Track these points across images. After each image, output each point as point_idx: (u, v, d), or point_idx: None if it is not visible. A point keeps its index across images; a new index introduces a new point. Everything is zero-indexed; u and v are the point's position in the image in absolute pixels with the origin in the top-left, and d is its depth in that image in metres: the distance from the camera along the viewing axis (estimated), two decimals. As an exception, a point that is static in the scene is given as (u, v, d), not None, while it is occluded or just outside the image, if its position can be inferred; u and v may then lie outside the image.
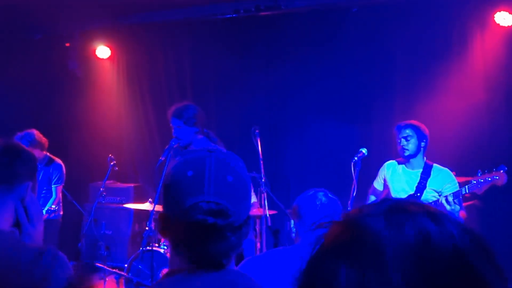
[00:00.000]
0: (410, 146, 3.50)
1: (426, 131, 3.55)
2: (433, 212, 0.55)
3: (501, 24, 4.68)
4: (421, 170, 3.54)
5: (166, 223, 1.06)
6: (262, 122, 4.60)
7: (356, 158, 3.62)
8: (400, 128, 3.55)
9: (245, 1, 5.48)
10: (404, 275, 0.50)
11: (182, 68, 6.11)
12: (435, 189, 3.51)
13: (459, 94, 4.80)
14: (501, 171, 3.32)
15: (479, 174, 3.35)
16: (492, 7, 4.71)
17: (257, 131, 4.19)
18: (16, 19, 5.49)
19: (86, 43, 6.36)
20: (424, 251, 0.51)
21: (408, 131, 3.50)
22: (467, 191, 3.34)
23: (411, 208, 0.56)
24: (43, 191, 4.64)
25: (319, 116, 5.50)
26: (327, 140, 5.40)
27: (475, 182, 3.33)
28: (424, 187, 3.49)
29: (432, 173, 3.52)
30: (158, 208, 3.76)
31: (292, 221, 2.20)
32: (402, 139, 3.51)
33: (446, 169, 3.58)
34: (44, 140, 4.53)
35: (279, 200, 4.87)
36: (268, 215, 3.79)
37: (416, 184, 3.52)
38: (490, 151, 4.70)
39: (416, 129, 3.51)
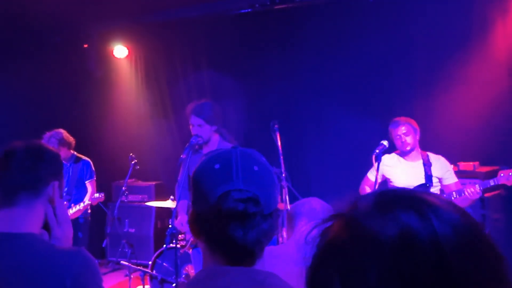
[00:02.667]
0: (410, 140, 3.75)
1: (416, 125, 3.84)
2: (421, 207, 0.54)
3: (523, 10, 4.57)
4: (421, 160, 3.77)
5: (198, 221, 1.06)
6: (281, 117, 4.57)
7: (377, 151, 3.59)
8: (397, 126, 3.78)
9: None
10: (380, 275, 0.50)
11: (199, 65, 6.12)
12: (437, 176, 3.74)
13: (482, 83, 4.70)
14: None
15: (505, 168, 3.58)
16: (514, -7, 4.59)
17: (276, 126, 4.16)
18: (35, 22, 5.56)
19: (103, 44, 6.43)
20: (402, 250, 0.51)
21: (404, 128, 3.77)
22: (496, 183, 3.52)
23: (400, 203, 0.55)
24: (75, 190, 4.73)
25: (338, 110, 5.45)
26: (346, 133, 5.35)
27: (503, 175, 3.50)
28: (431, 176, 3.73)
29: (431, 161, 3.76)
30: (173, 204, 3.77)
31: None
32: (402, 135, 3.76)
33: (440, 155, 3.83)
34: (71, 139, 4.71)
35: (300, 195, 4.86)
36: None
37: (424, 174, 3.73)
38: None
39: (410, 125, 3.78)
